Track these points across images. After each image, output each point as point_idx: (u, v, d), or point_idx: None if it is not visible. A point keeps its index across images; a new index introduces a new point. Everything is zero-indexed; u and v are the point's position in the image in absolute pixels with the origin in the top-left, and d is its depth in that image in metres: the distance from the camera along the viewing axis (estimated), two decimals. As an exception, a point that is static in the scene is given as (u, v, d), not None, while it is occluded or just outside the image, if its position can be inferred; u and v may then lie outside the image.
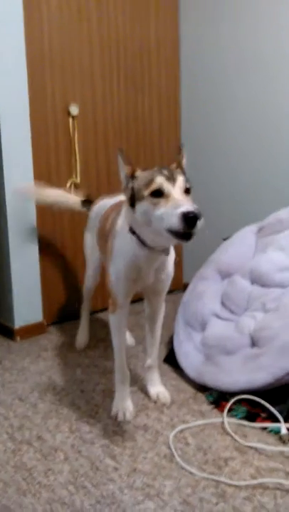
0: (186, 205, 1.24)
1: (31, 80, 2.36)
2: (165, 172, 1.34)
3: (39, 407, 1.75)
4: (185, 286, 3.00)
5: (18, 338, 2.41)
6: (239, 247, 2.26)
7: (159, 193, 1.31)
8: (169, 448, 1.48)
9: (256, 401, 1.66)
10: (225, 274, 2.19)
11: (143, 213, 1.35)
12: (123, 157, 1.44)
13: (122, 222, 1.57)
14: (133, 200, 1.39)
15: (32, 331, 2.46)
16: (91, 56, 2.61)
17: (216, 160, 2.93)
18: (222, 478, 1.33)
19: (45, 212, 2.52)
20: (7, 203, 2.32)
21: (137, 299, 1.88)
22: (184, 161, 1.50)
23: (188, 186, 1.35)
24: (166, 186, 1.31)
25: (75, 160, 2.59)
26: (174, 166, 1.47)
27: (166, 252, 1.50)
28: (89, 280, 2.24)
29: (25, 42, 2.29)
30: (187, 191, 1.34)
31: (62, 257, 2.65)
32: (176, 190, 1.31)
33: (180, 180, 1.33)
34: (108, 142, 2.76)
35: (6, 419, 1.68)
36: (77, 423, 1.64)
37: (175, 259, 1.68)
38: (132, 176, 1.41)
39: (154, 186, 1.32)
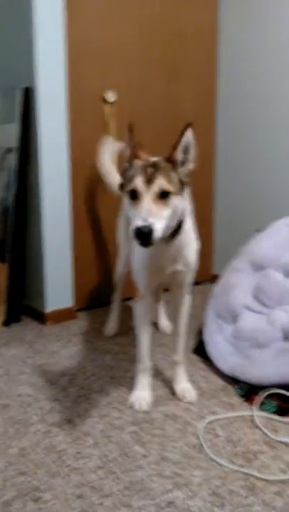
0: (142, 219, 1.25)
1: (69, 66, 2.35)
2: (148, 171, 1.32)
3: (69, 391, 1.77)
4: (214, 278, 2.98)
5: (48, 323, 2.44)
6: (273, 240, 2.21)
7: (134, 194, 1.32)
8: (198, 438, 1.48)
9: (287, 396, 1.64)
10: (258, 267, 2.16)
11: (126, 205, 1.37)
12: (130, 135, 1.39)
13: None
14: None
15: (62, 316, 2.48)
16: (129, 43, 2.59)
17: (252, 150, 2.87)
18: (252, 472, 1.32)
19: (79, 197, 2.53)
20: (43, 189, 2.33)
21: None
22: (181, 146, 1.38)
23: (166, 189, 1.32)
24: (141, 190, 1.31)
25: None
26: (167, 156, 1.39)
27: (165, 240, 1.45)
28: (120, 265, 2.24)
29: (65, 29, 2.28)
30: (164, 195, 1.32)
31: (95, 243, 2.65)
32: (148, 195, 1.30)
33: (157, 184, 1.31)
34: (144, 130, 2.73)
35: (36, 401, 1.70)
36: (107, 409, 1.65)
37: (200, 251, 1.65)
38: (131, 160, 1.39)
39: (131, 186, 1.32)
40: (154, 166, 1.34)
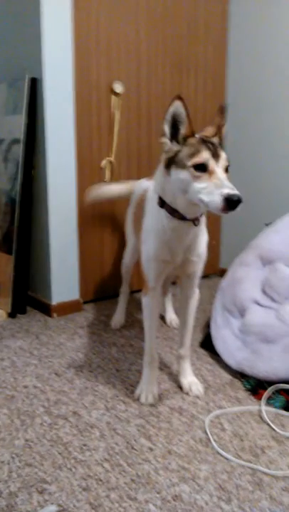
0: (230, 188, 1.26)
1: (76, 56, 2.33)
2: (210, 146, 1.33)
3: (75, 383, 1.77)
4: (221, 271, 2.96)
5: (54, 315, 2.43)
6: (282, 234, 2.19)
7: (202, 167, 1.31)
8: (205, 432, 1.47)
9: (295, 391, 1.62)
10: (267, 261, 2.13)
11: (180, 181, 1.35)
12: (186, 108, 1.35)
13: (149, 200, 1.57)
14: (170, 163, 1.37)
15: (68, 308, 2.48)
16: (137, 34, 2.56)
17: (261, 143, 2.84)
18: (259, 467, 1.31)
19: (86, 188, 2.51)
20: (49, 181, 2.32)
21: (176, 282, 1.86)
22: (224, 128, 1.44)
23: (228, 164, 1.35)
24: (211, 163, 1.31)
25: (112, 139, 2.55)
26: (210, 130, 1.41)
27: (196, 221, 1.47)
28: (127, 257, 2.23)
29: (72, 19, 2.26)
30: (226, 169, 1.34)
31: (101, 236, 2.64)
32: (219, 168, 1.32)
33: (223, 158, 1.34)
34: (151, 121, 2.71)
35: (42, 393, 1.70)
36: (113, 401, 1.65)
37: (210, 243, 1.64)
38: (185, 139, 1.36)
39: (199, 160, 1.31)
40: (211, 141, 1.35)
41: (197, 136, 1.36)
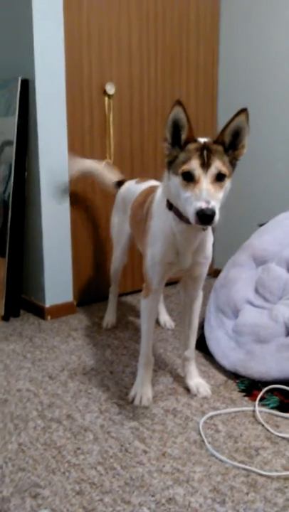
0: (204, 200, 1.24)
1: (68, 57, 2.32)
2: (204, 153, 1.30)
3: (69, 386, 1.76)
4: (215, 272, 2.96)
5: (48, 317, 2.42)
6: (275, 234, 2.19)
7: (189, 176, 1.30)
8: (199, 434, 1.46)
9: (289, 391, 1.62)
10: (260, 261, 2.14)
11: (174, 186, 1.35)
12: (185, 113, 1.33)
13: (158, 202, 1.55)
14: (170, 167, 1.37)
15: (62, 310, 2.47)
16: (129, 34, 2.55)
17: (253, 142, 2.84)
18: (253, 468, 1.30)
19: (78, 192, 2.51)
20: (41, 183, 2.31)
21: (169, 283, 1.85)
22: (229, 129, 1.36)
23: (223, 172, 1.31)
24: (198, 172, 1.29)
25: (109, 140, 2.56)
26: (216, 138, 1.36)
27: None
28: (116, 261, 2.23)
29: (63, 19, 2.25)
30: (220, 177, 1.31)
31: (94, 239, 2.63)
32: (206, 177, 1.29)
33: (215, 166, 1.30)
34: (143, 122, 2.71)
35: (36, 396, 1.69)
36: (107, 404, 1.64)
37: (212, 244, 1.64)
38: (186, 143, 1.34)
39: (186, 168, 1.30)
40: (209, 148, 1.32)
41: (200, 140, 1.34)
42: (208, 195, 1.26)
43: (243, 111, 1.36)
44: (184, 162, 1.30)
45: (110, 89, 2.49)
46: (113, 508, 1.17)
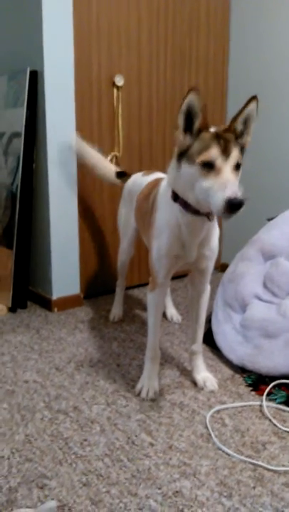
0: (233, 189, 1.22)
1: (77, 49, 2.31)
2: (221, 142, 1.28)
3: (76, 378, 1.76)
4: (223, 266, 2.95)
5: (55, 309, 2.42)
6: (284, 228, 2.17)
7: (210, 165, 1.27)
8: (206, 427, 1.46)
9: (297, 386, 1.62)
10: (268, 256, 2.12)
11: (188, 176, 1.33)
12: (199, 101, 1.30)
13: (163, 194, 1.54)
14: (181, 157, 1.34)
15: (69, 303, 2.47)
16: (139, 27, 2.53)
17: (262, 138, 2.82)
18: (260, 462, 1.30)
19: (86, 185, 2.50)
20: (49, 175, 2.30)
21: (176, 277, 1.85)
22: (242, 116, 1.35)
23: (240, 161, 1.30)
24: (219, 161, 1.27)
25: (118, 133, 2.54)
26: (228, 127, 1.35)
27: (210, 216, 1.44)
28: (123, 254, 2.23)
29: (72, 11, 2.23)
30: (237, 167, 1.30)
31: (101, 231, 2.63)
32: (227, 166, 1.27)
33: (234, 155, 1.29)
34: (152, 115, 2.69)
35: (43, 388, 1.69)
36: (114, 396, 1.64)
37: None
38: (200, 131, 1.32)
39: (206, 157, 1.27)
40: (224, 136, 1.30)
41: (212, 129, 1.32)
42: (234, 184, 1.24)
43: (254, 98, 1.36)
44: (202, 151, 1.28)
45: (119, 80, 2.47)
46: (120, 499, 1.17)
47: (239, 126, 1.36)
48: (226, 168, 1.27)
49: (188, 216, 1.43)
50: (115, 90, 2.49)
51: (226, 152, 1.27)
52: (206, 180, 1.27)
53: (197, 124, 1.32)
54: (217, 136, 1.29)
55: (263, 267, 2.10)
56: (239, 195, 1.21)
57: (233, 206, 1.21)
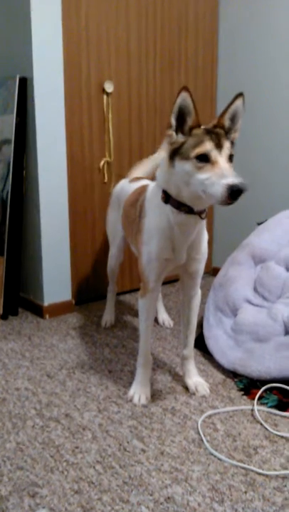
0: (233, 177, 1.25)
1: (66, 55, 2.31)
2: (213, 136, 1.32)
3: (67, 385, 1.76)
4: (214, 270, 2.96)
5: (47, 316, 2.42)
6: (274, 233, 2.19)
7: (205, 158, 1.30)
8: (198, 433, 1.46)
9: (288, 390, 1.62)
10: (259, 260, 2.13)
11: (183, 173, 1.35)
12: (192, 101, 1.35)
13: (150, 199, 1.56)
14: (174, 155, 1.36)
15: (60, 309, 2.46)
16: (128, 32, 2.54)
17: (252, 141, 2.84)
18: (252, 467, 1.30)
19: (77, 190, 2.50)
20: (40, 181, 2.30)
21: (167, 282, 1.85)
22: (228, 113, 1.40)
23: (232, 152, 1.34)
24: (214, 153, 1.30)
25: (109, 138, 2.55)
26: (216, 123, 1.38)
27: (202, 215, 1.46)
28: (112, 259, 2.23)
29: (61, 17, 2.24)
30: (230, 158, 1.34)
31: (92, 237, 2.63)
32: (222, 157, 1.31)
33: (226, 147, 1.33)
34: (142, 120, 2.71)
35: (34, 395, 1.69)
36: (105, 403, 1.64)
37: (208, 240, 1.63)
38: (191, 129, 1.35)
39: (201, 150, 1.30)
40: (214, 131, 1.34)
41: (203, 127, 1.36)
42: (232, 172, 1.27)
43: (240, 95, 1.40)
44: (196, 145, 1.31)
45: (109, 87, 2.48)
46: (112, 507, 1.17)
47: (227, 122, 1.39)
48: (222, 159, 1.30)
49: (182, 216, 1.44)
50: (105, 96, 2.50)
51: (219, 145, 1.31)
52: (203, 173, 1.30)
53: (190, 121, 1.35)
54: (208, 132, 1.33)
55: (253, 271, 2.11)
56: (240, 182, 1.24)
57: (234, 192, 1.24)
